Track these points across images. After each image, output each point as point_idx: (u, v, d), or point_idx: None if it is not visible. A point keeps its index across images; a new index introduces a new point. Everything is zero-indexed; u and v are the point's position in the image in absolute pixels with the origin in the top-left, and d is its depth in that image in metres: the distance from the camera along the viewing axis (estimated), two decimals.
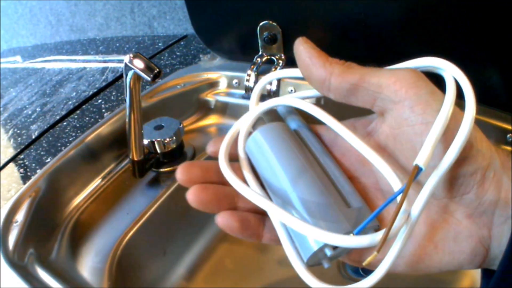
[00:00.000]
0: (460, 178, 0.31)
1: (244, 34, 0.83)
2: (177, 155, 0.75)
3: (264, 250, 0.76)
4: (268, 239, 0.37)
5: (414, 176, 0.29)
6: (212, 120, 0.85)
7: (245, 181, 0.36)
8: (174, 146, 0.73)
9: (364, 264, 0.30)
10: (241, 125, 0.40)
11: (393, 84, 0.31)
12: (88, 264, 0.62)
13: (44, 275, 0.57)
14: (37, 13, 1.45)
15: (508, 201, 0.31)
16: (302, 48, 0.34)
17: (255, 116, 0.40)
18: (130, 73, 0.58)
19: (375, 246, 0.29)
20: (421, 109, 0.30)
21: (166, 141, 0.71)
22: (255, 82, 0.78)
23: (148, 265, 0.69)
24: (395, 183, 0.32)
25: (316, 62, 0.33)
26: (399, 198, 0.30)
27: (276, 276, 0.72)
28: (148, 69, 0.55)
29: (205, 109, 0.86)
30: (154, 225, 0.69)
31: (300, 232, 0.31)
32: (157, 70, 0.55)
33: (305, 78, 0.35)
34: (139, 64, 0.56)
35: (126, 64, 0.57)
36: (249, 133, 0.39)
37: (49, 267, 0.59)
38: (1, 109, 0.98)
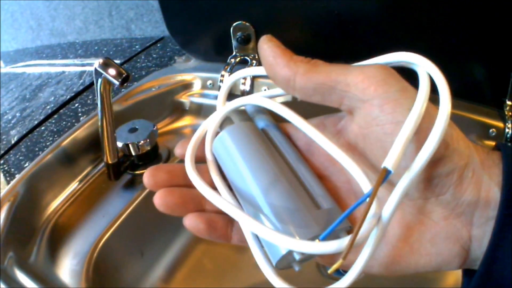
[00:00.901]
0: (435, 179, 0.30)
1: (218, 35, 0.84)
2: (152, 157, 0.75)
3: (242, 250, 0.76)
4: (237, 241, 0.37)
5: (382, 179, 0.28)
6: (186, 121, 0.86)
7: (212, 184, 0.36)
8: (148, 148, 0.73)
9: (329, 272, 0.29)
10: (208, 125, 0.40)
11: (361, 82, 0.30)
12: (66, 267, 0.63)
13: (23, 278, 0.58)
14: (18, 17, 1.45)
15: (489, 201, 0.30)
16: (266, 47, 0.33)
17: (222, 116, 0.39)
18: (100, 79, 0.59)
19: (342, 252, 0.28)
20: (390, 107, 0.29)
21: (140, 143, 0.72)
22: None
23: (126, 267, 0.70)
24: (365, 184, 0.32)
25: (280, 62, 0.32)
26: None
27: (255, 275, 0.72)
28: (116, 74, 0.56)
29: (180, 110, 0.87)
30: (130, 227, 0.70)
31: (263, 237, 0.31)
32: (125, 74, 0.56)
33: (270, 77, 0.34)
34: (108, 69, 0.57)
35: (96, 69, 0.58)
36: (217, 134, 0.39)
37: (28, 270, 0.60)
38: None
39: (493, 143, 0.62)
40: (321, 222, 0.32)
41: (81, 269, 0.62)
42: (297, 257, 0.32)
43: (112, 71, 0.57)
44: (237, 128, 0.38)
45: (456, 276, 0.67)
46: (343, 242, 0.29)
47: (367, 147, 0.32)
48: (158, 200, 0.35)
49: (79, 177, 0.75)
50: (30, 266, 0.62)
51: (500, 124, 0.64)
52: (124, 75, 0.56)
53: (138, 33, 1.21)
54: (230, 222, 0.37)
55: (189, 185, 0.35)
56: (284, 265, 0.34)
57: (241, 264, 0.75)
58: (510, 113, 0.64)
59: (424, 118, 0.28)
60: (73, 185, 0.73)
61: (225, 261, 0.76)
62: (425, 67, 0.31)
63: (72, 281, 0.61)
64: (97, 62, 0.57)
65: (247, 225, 0.31)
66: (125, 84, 0.57)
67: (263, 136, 0.39)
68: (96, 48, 1.19)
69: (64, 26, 1.35)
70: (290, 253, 0.32)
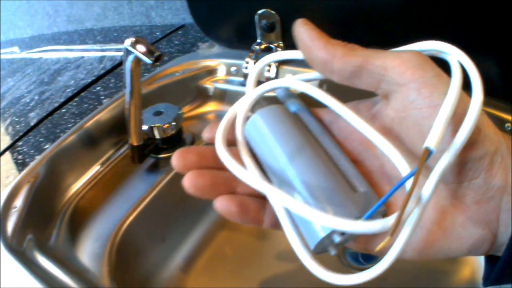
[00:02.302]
0: (469, 163, 0.30)
1: (242, 22, 0.83)
2: (176, 141, 0.75)
3: (264, 237, 0.76)
4: (268, 224, 0.36)
5: (425, 159, 0.29)
6: (210, 107, 0.85)
7: (243, 166, 0.35)
8: (173, 132, 0.73)
9: (377, 249, 0.29)
10: (239, 108, 0.39)
11: (398, 66, 0.30)
12: (88, 250, 0.62)
13: (43, 260, 0.57)
14: (34, 4, 1.45)
15: None
16: (303, 30, 0.33)
17: (254, 98, 0.38)
18: (130, 57, 0.57)
19: (385, 232, 0.29)
20: (428, 91, 0.30)
21: (165, 127, 0.71)
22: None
23: (147, 251, 0.69)
24: (403, 167, 0.32)
25: (317, 44, 0.33)
26: (408, 182, 0.30)
27: (275, 263, 0.72)
28: (149, 52, 0.55)
29: (204, 96, 0.86)
30: (153, 211, 0.69)
31: (307, 218, 0.30)
32: (158, 53, 0.55)
33: (307, 60, 0.34)
34: (140, 47, 0.56)
35: (126, 48, 0.57)
36: (247, 118, 0.38)
37: (48, 253, 0.59)
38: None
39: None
40: (359, 204, 0.32)
41: (103, 252, 0.61)
42: (336, 239, 0.32)
43: (144, 50, 0.55)
44: (270, 110, 0.37)
45: (471, 267, 0.67)
46: (387, 221, 0.29)
47: (403, 131, 0.33)
48: (188, 182, 0.34)
49: (101, 160, 0.74)
50: (50, 249, 0.61)
51: None
52: (156, 54, 0.55)
53: (158, 20, 1.21)
54: (262, 205, 0.36)
55: (220, 168, 0.35)
56: (321, 249, 0.34)
57: (262, 251, 0.74)
58: None
59: (458, 103, 0.29)
60: (95, 168, 0.73)
61: (246, 249, 0.75)
62: (456, 56, 0.32)
63: (93, 264, 0.60)
64: (128, 41, 0.56)
65: (285, 202, 0.30)
66: (157, 63, 0.55)
67: (296, 119, 0.38)
68: (115, 34, 1.19)
69: (82, 12, 1.35)
70: (329, 236, 0.31)
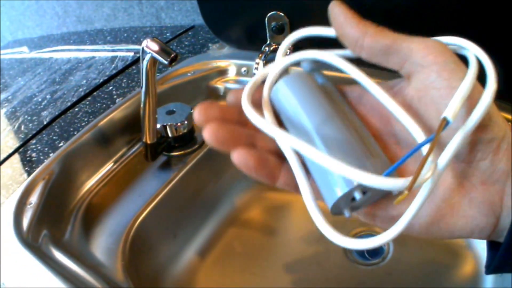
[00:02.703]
0: (479, 144, 0.32)
1: (252, 24, 0.84)
2: (188, 139, 0.76)
3: (272, 233, 0.77)
4: (283, 183, 0.36)
5: (442, 127, 0.30)
6: None
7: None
8: (185, 130, 0.74)
9: (395, 202, 0.30)
10: (270, 69, 0.39)
11: (422, 50, 0.32)
12: (101, 245, 0.63)
13: (58, 255, 0.58)
14: (43, 4, 1.46)
15: None
16: (337, 9, 0.35)
17: (286, 65, 0.39)
18: (147, 57, 0.59)
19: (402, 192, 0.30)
20: (447, 75, 0.32)
21: (178, 125, 0.73)
22: None
23: (159, 247, 0.70)
24: (420, 137, 0.33)
25: (350, 22, 0.35)
26: (425, 149, 0.32)
27: (284, 259, 0.73)
28: (165, 52, 0.57)
29: (215, 96, 0.87)
30: (165, 208, 0.70)
31: (331, 169, 0.30)
32: (174, 54, 0.57)
33: (339, 36, 0.36)
34: (156, 48, 0.57)
35: (143, 48, 0.58)
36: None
37: (63, 248, 0.60)
38: (10, 97, 0.99)
39: None
40: (377, 168, 0.33)
41: (116, 247, 0.63)
42: (357, 196, 0.32)
43: (160, 50, 0.57)
44: (297, 76, 0.38)
45: (472, 263, 0.68)
46: (407, 181, 0.30)
47: (421, 108, 0.34)
48: (209, 133, 0.34)
49: (115, 158, 0.75)
50: (64, 244, 0.62)
51: None
52: (172, 55, 0.57)
53: (168, 21, 1.22)
54: (280, 163, 0.36)
55: (241, 124, 0.36)
56: (337, 210, 0.34)
57: (270, 248, 0.76)
58: None
59: (473, 88, 0.31)
60: (108, 165, 0.74)
61: (255, 245, 0.76)
62: (474, 51, 0.34)
63: (107, 259, 0.61)
64: (145, 41, 0.58)
65: (308, 152, 0.31)
66: (172, 64, 0.57)
67: (321, 88, 0.39)
68: (125, 35, 1.20)
69: (91, 13, 1.36)
70: (349, 193, 0.32)
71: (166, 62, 0.57)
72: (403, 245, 0.72)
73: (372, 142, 0.36)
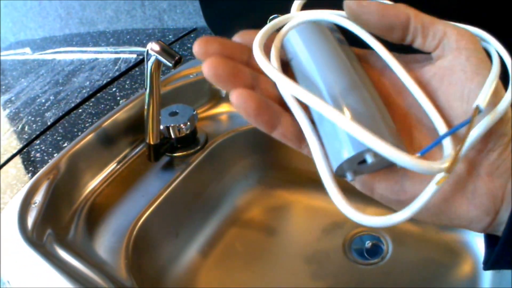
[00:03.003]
0: (492, 135, 0.32)
1: (253, 27, 0.85)
2: (190, 140, 0.77)
3: (273, 233, 0.78)
4: (280, 134, 0.34)
5: (476, 114, 0.30)
6: (223, 108, 0.88)
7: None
8: (188, 132, 0.75)
9: (436, 184, 0.30)
10: (289, 18, 0.38)
11: (456, 34, 0.33)
12: (105, 244, 0.64)
13: (63, 254, 0.60)
14: (46, 6, 1.46)
15: None
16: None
17: (303, 21, 0.37)
18: (151, 59, 0.60)
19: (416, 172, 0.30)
20: (476, 61, 0.32)
21: (180, 126, 0.74)
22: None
23: (162, 246, 0.71)
24: (439, 123, 0.33)
25: (385, 8, 0.34)
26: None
27: (284, 258, 0.74)
28: (169, 55, 0.58)
29: (217, 98, 0.89)
30: (167, 208, 0.71)
31: (347, 131, 0.29)
32: (178, 56, 0.58)
33: (378, 23, 0.34)
34: (161, 50, 0.58)
35: (147, 51, 0.59)
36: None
37: (67, 246, 0.61)
38: (13, 98, 1.00)
39: None
40: (395, 138, 0.32)
41: (120, 246, 0.64)
42: (369, 159, 0.31)
43: (165, 53, 0.58)
44: (315, 26, 0.37)
45: (471, 263, 0.69)
46: (438, 164, 0.30)
47: (442, 88, 0.34)
48: (208, 67, 0.32)
49: (118, 158, 0.76)
50: (69, 243, 0.63)
51: None
52: (177, 57, 0.58)
53: (171, 24, 1.22)
54: (280, 111, 0.34)
55: (242, 63, 0.35)
56: (341, 172, 0.32)
57: (271, 248, 0.77)
58: None
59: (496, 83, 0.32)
60: (112, 166, 0.75)
61: (256, 245, 0.77)
62: (495, 46, 0.35)
63: (111, 258, 0.63)
64: (149, 44, 0.59)
65: (324, 110, 0.29)
66: (177, 66, 0.58)
67: (340, 45, 0.37)
68: (128, 37, 1.21)
69: (94, 15, 1.36)
70: (359, 156, 0.31)
71: (170, 65, 0.58)
72: (402, 245, 0.72)
73: (384, 110, 0.34)
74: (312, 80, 0.34)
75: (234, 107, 0.32)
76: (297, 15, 0.38)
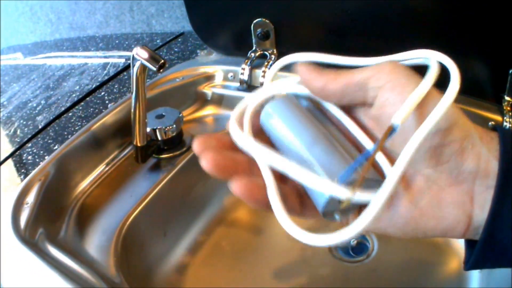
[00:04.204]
0: (438, 148, 0.33)
1: (238, 31, 0.88)
2: (176, 142, 0.80)
3: (259, 232, 0.81)
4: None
5: (388, 133, 0.33)
6: (209, 111, 0.90)
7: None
8: (174, 134, 0.78)
9: (341, 207, 0.35)
10: (251, 99, 0.42)
11: (375, 74, 0.35)
12: (95, 243, 0.66)
13: (54, 251, 0.61)
14: (37, 11, 1.49)
15: (488, 171, 0.33)
16: (302, 68, 0.39)
17: (272, 94, 0.42)
18: (137, 64, 0.63)
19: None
20: (399, 89, 0.34)
21: (167, 129, 0.76)
22: (249, 75, 0.84)
23: (150, 245, 0.73)
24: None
25: (314, 75, 0.38)
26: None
27: (270, 256, 0.77)
28: (154, 60, 0.60)
29: (202, 100, 0.91)
30: (155, 208, 0.73)
31: (302, 182, 0.34)
32: (162, 61, 0.60)
33: (310, 90, 0.39)
34: (145, 55, 0.61)
35: (133, 56, 0.62)
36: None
37: (58, 245, 0.63)
38: (5, 102, 1.02)
39: None
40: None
41: (109, 245, 0.66)
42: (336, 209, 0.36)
43: (149, 57, 0.60)
44: (286, 100, 0.41)
45: (459, 259, 0.71)
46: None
47: (382, 126, 0.36)
48: (206, 160, 0.35)
49: (107, 160, 0.79)
50: (60, 242, 0.65)
51: (499, 118, 0.69)
52: (161, 62, 0.60)
53: (159, 28, 1.25)
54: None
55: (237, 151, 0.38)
56: (329, 217, 0.37)
57: (257, 246, 0.79)
58: (509, 108, 0.69)
59: (428, 97, 0.33)
60: (101, 168, 0.77)
61: (242, 244, 0.79)
62: (436, 57, 0.36)
63: (100, 256, 0.64)
64: (135, 49, 0.61)
65: (274, 162, 0.34)
66: (161, 70, 0.60)
67: (305, 109, 0.42)
68: (117, 41, 1.23)
69: (84, 20, 1.39)
70: (330, 201, 0.35)
71: (154, 69, 0.60)
72: (387, 243, 0.75)
73: (350, 147, 0.39)
74: (286, 146, 0.39)
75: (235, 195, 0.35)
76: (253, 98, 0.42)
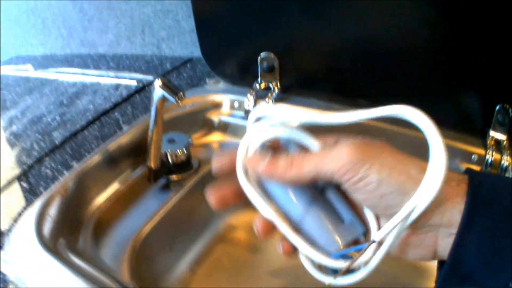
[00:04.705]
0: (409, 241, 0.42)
1: (245, 61, 0.95)
2: (185, 165, 0.86)
3: (257, 250, 0.87)
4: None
5: (369, 246, 0.41)
6: (215, 137, 0.97)
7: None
8: (183, 157, 0.85)
9: (334, 278, 0.42)
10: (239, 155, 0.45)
11: (336, 171, 0.39)
12: (110, 253, 0.73)
13: (74, 259, 0.67)
14: (49, 24, 1.54)
15: (451, 222, 0.38)
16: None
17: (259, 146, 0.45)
18: (158, 95, 0.70)
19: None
20: (364, 184, 0.39)
21: (177, 153, 0.84)
22: (254, 106, 0.91)
23: (158, 258, 0.80)
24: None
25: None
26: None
27: (267, 273, 0.83)
28: (174, 93, 0.68)
29: (210, 127, 0.98)
30: (164, 224, 0.80)
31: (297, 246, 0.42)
32: (181, 93, 0.67)
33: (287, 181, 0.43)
34: (166, 88, 0.68)
35: (155, 87, 0.69)
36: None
37: (78, 254, 0.69)
38: (19, 114, 1.07)
39: (474, 167, 0.74)
40: (342, 234, 0.43)
41: (123, 255, 0.72)
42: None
43: (170, 90, 0.68)
44: None
45: None
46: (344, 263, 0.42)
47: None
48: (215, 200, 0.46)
49: (120, 178, 0.85)
50: (79, 251, 0.71)
51: (482, 151, 0.75)
52: (181, 95, 0.67)
53: (168, 52, 1.31)
54: None
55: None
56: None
57: (255, 263, 0.85)
58: (493, 143, 0.74)
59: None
60: (114, 185, 0.84)
61: (241, 260, 0.86)
62: (412, 116, 0.38)
63: (115, 265, 0.71)
64: (157, 82, 0.69)
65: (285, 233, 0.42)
66: (179, 102, 0.67)
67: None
68: (127, 62, 1.30)
69: (96, 38, 1.44)
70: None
71: (174, 101, 0.67)
72: None
73: (342, 206, 0.44)
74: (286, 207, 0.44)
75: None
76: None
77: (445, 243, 0.40)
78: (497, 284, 0.37)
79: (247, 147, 0.44)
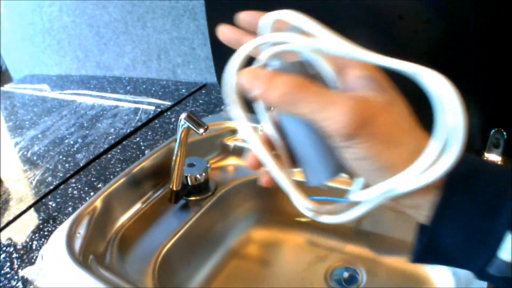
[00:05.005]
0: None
1: None
2: (203, 187, 0.93)
3: (266, 265, 0.94)
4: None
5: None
6: (231, 161, 1.03)
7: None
8: (202, 181, 0.91)
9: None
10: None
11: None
12: (134, 268, 0.79)
13: (105, 273, 0.73)
14: (65, 45, 1.59)
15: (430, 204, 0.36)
16: None
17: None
18: (184, 126, 0.77)
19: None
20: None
21: (197, 176, 0.90)
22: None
23: (177, 271, 0.86)
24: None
25: None
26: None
27: (276, 285, 0.89)
28: (198, 125, 0.74)
29: (226, 151, 1.04)
30: (183, 241, 0.86)
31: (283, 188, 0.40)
32: (206, 126, 0.74)
33: None
34: (192, 121, 0.75)
35: (182, 120, 0.76)
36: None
37: (107, 268, 0.75)
38: (40, 135, 1.13)
39: None
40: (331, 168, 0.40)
41: (147, 269, 0.79)
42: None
43: (195, 124, 0.75)
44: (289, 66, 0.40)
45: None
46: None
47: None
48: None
49: (143, 199, 0.92)
50: (107, 265, 0.77)
51: None
52: (205, 127, 0.73)
53: (183, 77, 1.37)
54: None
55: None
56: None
57: (265, 277, 0.91)
58: None
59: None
60: (137, 205, 0.90)
61: (252, 274, 0.92)
62: (432, 80, 0.35)
63: (141, 277, 0.77)
64: (183, 115, 0.76)
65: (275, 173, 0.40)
66: (203, 133, 0.74)
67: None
68: (144, 86, 1.36)
69: (112, 61, 1.50)
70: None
71: (199, 133, 0.74)
72: (374, 275, 0.88)
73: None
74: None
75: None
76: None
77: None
78: (473, 267, 0.36)
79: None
